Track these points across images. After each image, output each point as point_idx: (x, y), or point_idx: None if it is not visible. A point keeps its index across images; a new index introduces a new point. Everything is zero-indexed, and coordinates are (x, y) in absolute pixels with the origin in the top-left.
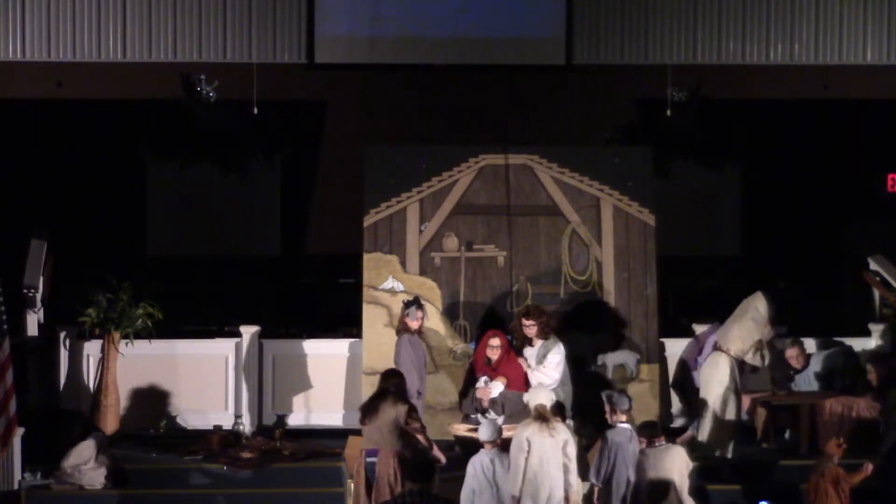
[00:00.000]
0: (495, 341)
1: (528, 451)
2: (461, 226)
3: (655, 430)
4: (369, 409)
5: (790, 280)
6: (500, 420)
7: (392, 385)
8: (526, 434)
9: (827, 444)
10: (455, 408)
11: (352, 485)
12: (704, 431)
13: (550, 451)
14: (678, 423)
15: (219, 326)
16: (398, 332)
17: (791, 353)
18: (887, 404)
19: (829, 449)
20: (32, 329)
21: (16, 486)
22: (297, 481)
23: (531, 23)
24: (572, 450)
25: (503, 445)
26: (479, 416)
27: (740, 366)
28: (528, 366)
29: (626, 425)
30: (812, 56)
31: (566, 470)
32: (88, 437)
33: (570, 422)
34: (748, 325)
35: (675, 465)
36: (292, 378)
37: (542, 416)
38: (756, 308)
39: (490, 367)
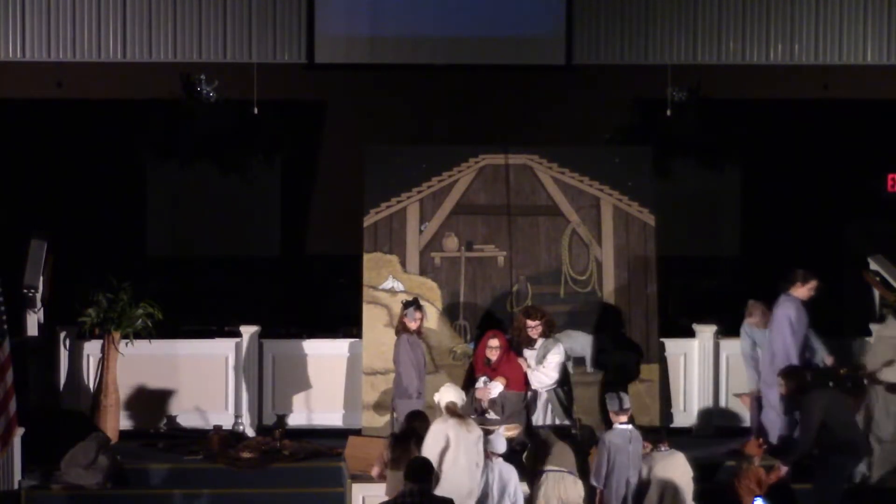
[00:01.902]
0: (495, 342)
1: (448, 446)
2: (461, 226)
3: (660, 437)
4: (400, 459)
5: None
6: (501, 429)
7: (419, 427)
8: (445, 428)
9: (746, 445)
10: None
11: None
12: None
13: (472, 445)
14: (678, 422)
15: (219, 326)
16: (397, 333)
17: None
18: (803, 410)
19: (749, 450)
20: (32, 329)
21: (16, 486)
22: (297, 481)
23: (531, 23)
24: (481, 447)
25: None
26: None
27: (891, 388)
28: (528, 366)
29: (625, 426)
30: (812, 56)
31: (477, 466)
32: (88, 437)
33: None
34: (877, 348)
35: (680, 470)
36: (292, 378)
37: (455, 414)
38: (887, 330)
39: (489, 367)
